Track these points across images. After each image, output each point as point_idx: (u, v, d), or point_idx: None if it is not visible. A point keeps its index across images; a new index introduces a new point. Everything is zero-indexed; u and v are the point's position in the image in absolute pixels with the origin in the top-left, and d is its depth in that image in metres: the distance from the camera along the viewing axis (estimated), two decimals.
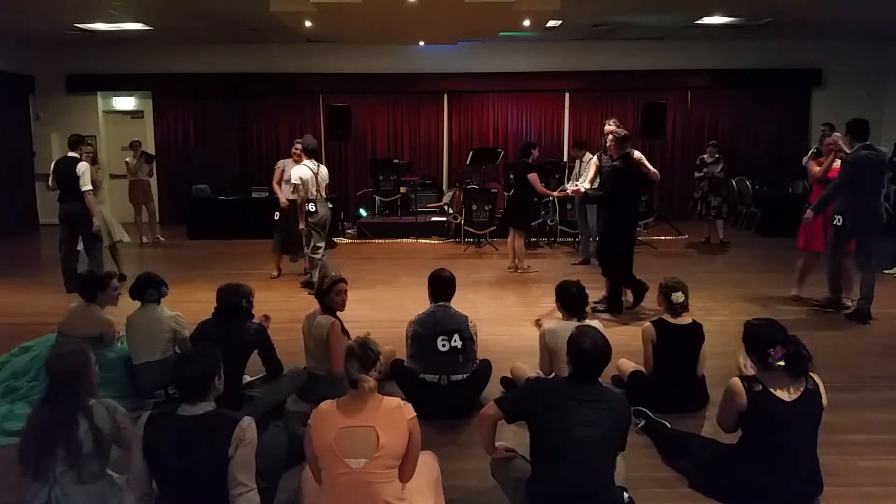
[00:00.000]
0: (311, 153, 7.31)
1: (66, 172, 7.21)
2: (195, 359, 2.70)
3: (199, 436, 2.52)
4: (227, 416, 2.59)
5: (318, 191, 7.18)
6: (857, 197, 5.83)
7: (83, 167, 7.21)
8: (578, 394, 2.73)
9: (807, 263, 6.64)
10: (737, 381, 3.09)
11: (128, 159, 10.71)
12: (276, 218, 7.95)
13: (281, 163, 8.25)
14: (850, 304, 6.29)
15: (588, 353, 2.77)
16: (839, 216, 5.91)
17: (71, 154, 7.32)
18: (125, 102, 12.93)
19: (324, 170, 7.37)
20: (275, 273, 8.06)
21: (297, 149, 7.62)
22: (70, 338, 4.26)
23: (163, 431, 2.54)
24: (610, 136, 6.40)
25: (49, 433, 2.66)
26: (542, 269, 8.41)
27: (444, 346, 4.07)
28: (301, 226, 7.19)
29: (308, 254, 7.36)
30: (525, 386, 2.74)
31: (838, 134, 6.75)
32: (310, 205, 7.12)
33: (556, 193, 8.83)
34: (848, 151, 6.01)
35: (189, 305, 4.88)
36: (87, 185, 7.20)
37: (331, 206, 7.64)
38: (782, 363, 3.01)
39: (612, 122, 7.14)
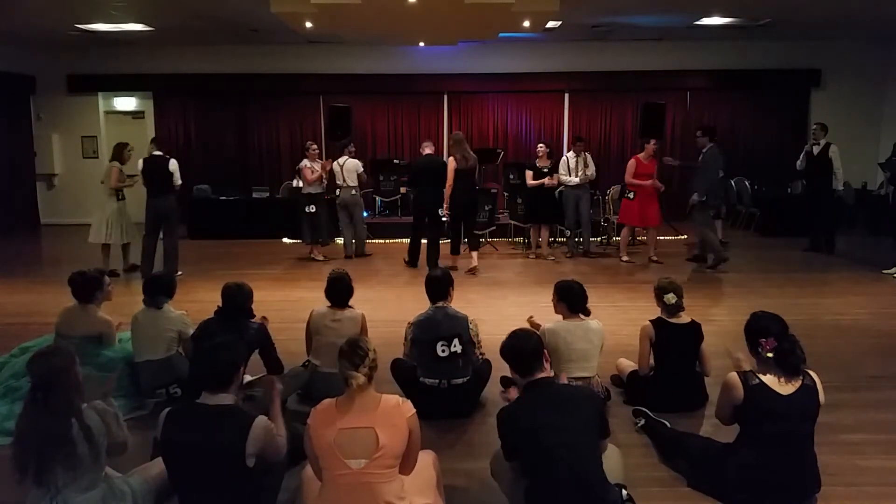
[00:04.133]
0: (341, 151, 9.28)
1: (158, 169, 7.67)
2: (222, 349, 2.73)
3: (217, 425, 2.57)
4: (244, 412, 2.67)
5: (344, 180, 9.01)
6: (711, 179, 8.36)
7: (175, 164, 7.74)
8: (539, 402, 2.76)
9: (627, 234, 9.19)
10: (734, 375, 3.14)
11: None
12: (313, 210, 8.84)
13: (304, 162, 8.94)
14: (655, 259, 8.79)
15: (512, 350, 2.89)
16: (696, 193, 8.32)
17: (157, 153, 7.76)
18: (126, 103, 12.94)
19: (350, 163, 9.04)
20: (320, 258, 9.00)
21: (314, 149, 9.05)
22: (69, 339, 4.24)
23: (181, 422, 2.62)
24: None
25: (43, 435, 2.59)
26: (540, 268, 8.43)
27: (443, 351, 4.05)
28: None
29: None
30: (498, 423, 2.85)
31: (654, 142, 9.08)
32: (337, 190, 9.13)
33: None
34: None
35: (189, 305, 4.88)
36: (179, 181, 7.87)
37: (354, 192, 9.09)
38: (770, 355, 3.06)
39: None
